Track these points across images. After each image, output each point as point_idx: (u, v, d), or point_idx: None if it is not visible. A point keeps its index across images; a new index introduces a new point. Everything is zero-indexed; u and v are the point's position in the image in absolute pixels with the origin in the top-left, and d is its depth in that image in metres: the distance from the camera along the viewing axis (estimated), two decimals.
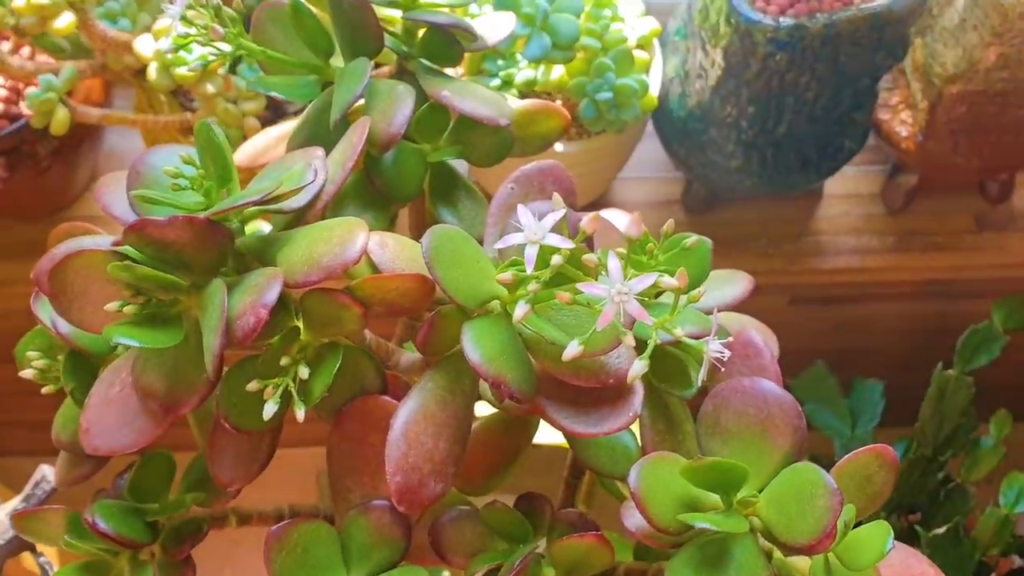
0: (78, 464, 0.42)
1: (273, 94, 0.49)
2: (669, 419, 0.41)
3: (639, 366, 0.32)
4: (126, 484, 0.41)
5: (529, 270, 0.31)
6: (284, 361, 0.35)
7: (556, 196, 0.33)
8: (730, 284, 0.45)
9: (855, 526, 0.39)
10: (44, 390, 0.41)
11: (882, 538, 0.37)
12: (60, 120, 0.61)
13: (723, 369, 0.38)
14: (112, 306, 0.34)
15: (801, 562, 0.39)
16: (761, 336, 0.41)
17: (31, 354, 0.41)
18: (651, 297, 0.36)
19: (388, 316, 0.38)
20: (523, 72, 0.70)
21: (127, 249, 0.34)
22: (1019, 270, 0.82)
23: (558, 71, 0.70)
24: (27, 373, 0.41)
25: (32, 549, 0.53)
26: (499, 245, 0.33)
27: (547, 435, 0.62)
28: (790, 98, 0.68)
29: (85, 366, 0.40)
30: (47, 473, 0.52)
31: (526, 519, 0.40)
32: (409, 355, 0.42)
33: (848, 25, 0.63)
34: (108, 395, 0.38)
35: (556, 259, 0.31)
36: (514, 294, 0.35)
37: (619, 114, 0.69)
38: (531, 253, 0.31)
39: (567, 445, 0.54)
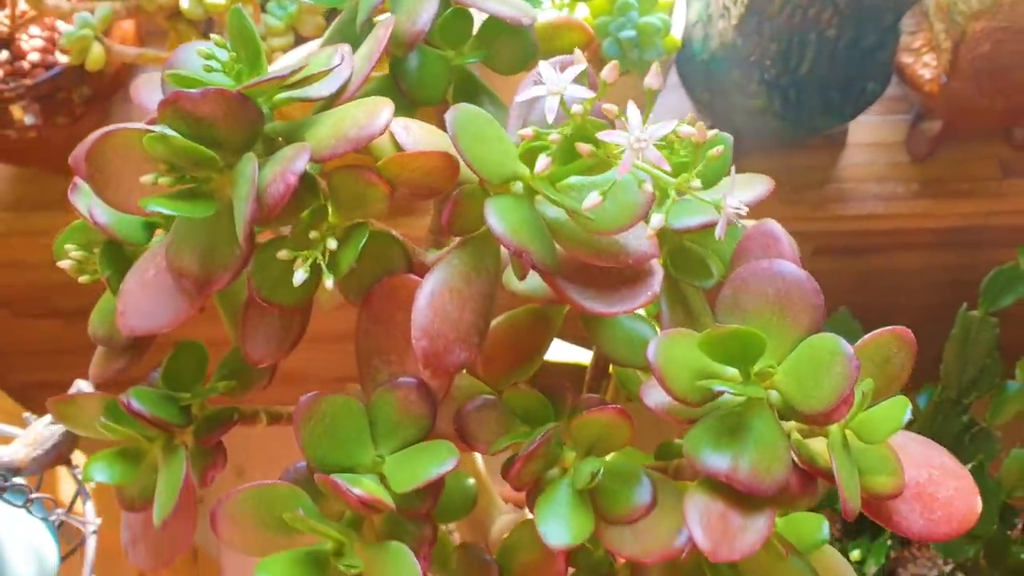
0: (114, 358, 0.44)
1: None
2: (688, 309, 0.42)
3: (657, 219, 0.33)
4: (160, 373, 0.42)
5: (550, 119, 0.32)
6: (313, 235, 0.36)
7: (577, 51, 0.34)
8: (750, 186, 0.45)
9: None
10: (81, 279, 0.42)
11: (900, 410, 0.38)
12: (96, 57, 0.63)
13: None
14: (148, 178, 0.35)
15: (819, 444, 0.39)
16: (781, 228, 0.42)
17: (68, 246, 0.42)
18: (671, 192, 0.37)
19: (413, 199, 0.39)
20: (546, 13, 0.71)
21: (162, 128, 0.36)
22: None
23: (582, 11, 0.71)
24: (65, 264, 0.42)
25: (67, 463, 0.55)
26: (520, 98, 0.34)
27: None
28: (812, 34, 0.68)
29: (121, 255, 0.41)
30: (82, 386, 0.54)
31: (548, 403, 0.41)
32: (433, 256, 0.43)
33: None
34: (143, 279, 0.39)
35: (577, 108, 0.32)
36: (536, 175, 0.36)
37: (642, 53, 0.70)
38: (552, 104, 0.31)
39: (587, 364, 0.55)
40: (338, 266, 0.36)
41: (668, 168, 0.32)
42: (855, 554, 0.74)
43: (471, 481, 0.51)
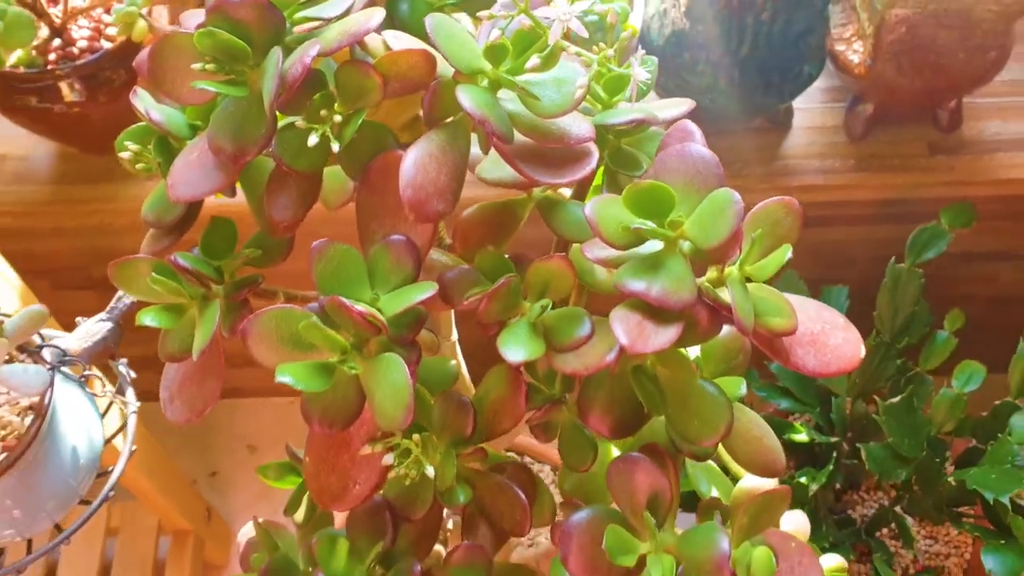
0: (161, 237, 0.54)
1: None
2: None
3: (584, 80, 0.44)
4: (199, 243, 0.53)
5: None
6: (323, 114, 0.47)
7: None
8: (674, 106, 0.56)
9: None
10: (138, 167, 0.52)
11: (783, 252, 0.48)
12: (140, 30, 0.74)
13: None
14: (197, 65, 0.46)
15: (725, 293, 0.49)
16: (694, 124, 0.52)
17: (128, 143, 0.53)
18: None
19: (401, 92, 0.50)
20: None
21: (208, 29, 0.46)
22: (966, 188, 0.92)
23: None
24: (124, 155, 0.52)
25: (112, 357, 0.64)
26: (485, 14, 0.45)
27: None
28: (749, 18, 0.80)
29: (170, 148, 0.52)
30: (126, 296, 0.64)
31: (512, 264, 0.51)
32: None
33: None
34: (188, 160, 0.50)
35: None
36: (497, 68, 0.47)
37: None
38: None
39: None
40: (343, 136, 0.47)
41: (586, 35, 0.43)
42: (803, 480, 0.83)
43: (453, 363, 0.60)
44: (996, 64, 0.85)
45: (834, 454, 0.85)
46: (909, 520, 0.90)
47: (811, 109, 0.96)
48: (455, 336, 0.69)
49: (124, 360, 0.64)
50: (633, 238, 0.47)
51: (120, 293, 0.65)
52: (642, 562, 0.49)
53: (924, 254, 0.85)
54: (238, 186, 0.52)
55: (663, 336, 0.45)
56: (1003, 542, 0.78)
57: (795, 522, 0.61)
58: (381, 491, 0.55)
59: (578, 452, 0.53)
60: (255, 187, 0.53)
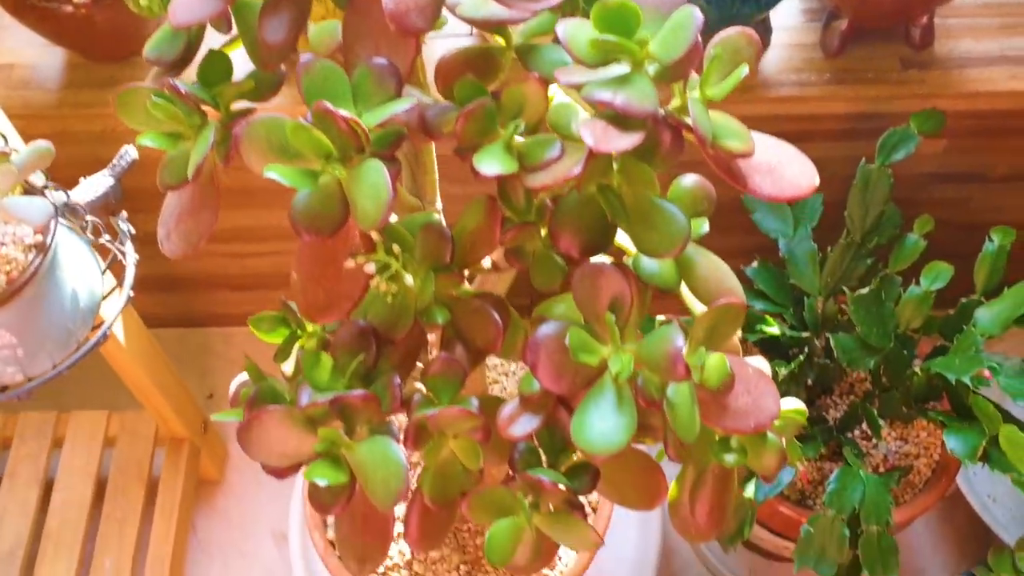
0: (162, 74, 0.58)
1: None
2: None
3: None
4: (196, 74, 0.56)
5: None
6: None
7: None
8: None
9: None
10: (142, 3, 0.56)
11: (739, 73, 0.51)
12: None
13: None
14: None
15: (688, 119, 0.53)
16: None
17: None
18: None
19: None
20: None
21: None
22: (936, 101, 0.95)
23: None
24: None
25: (114, 213, 0.68)
26: None
27: None
28: None
29: None
30: (130, 149, 0.67)
31: (489, 93, 0.54)
32: None
33: None
34: None
35: None
36: None
37: None
38: None
39: None
40: None
41: None
42: (782, 371, 0.86)
43: (437, 216, 0.64)
44: None
45: (806, 349, 0.89)
46: (880, 421, 0.93)
47: (789, 27, 0.99)
48: (439, 205, 0.72)
49: (124, 214, 0.68)
50: (601, 55, 0.50)
51: (122, 151, 0.68)
52: (604, 365, 0.53)
53: (893, 155, 0.89)
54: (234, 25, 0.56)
55: (626, 140, 0.49)
56: (965, 424, 0.82)
57: (756, 362, 0.64)
58: (365, 316, 0.59)
59: (548, 274, 0.57)
60: (247, 20, 0.57)
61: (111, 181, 0.67)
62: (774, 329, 0.89)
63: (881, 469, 0.94)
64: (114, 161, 0.67)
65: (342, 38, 0.54)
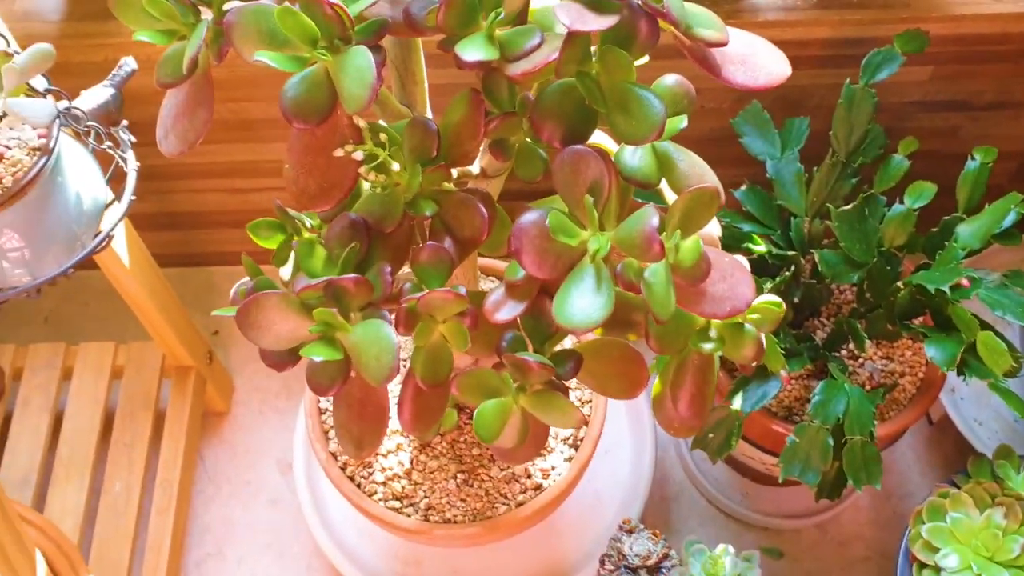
0: None
1: None
2: None
3: None
4: None
5: None
6: None
7: None
8: None
9: None
10: None
11: None
12: None
13: None
14: None
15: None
16: None
17: None
18: None
19: None
20: None
21: None
22: (921, 23, 0.97)
23: None
24: None
25: (115, 123, 0.70)
26: None
27: None
28: None
29: None
30: (128, 60, 0.69)
31: None
32: None
33: None
34: None
35: None
36: None
37: None
38: None
39: None
40: None
41: None
42: (767, 286, 0.88)
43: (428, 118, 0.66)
44: None
45: (793, 268, 0.91)
46: (868, 342, 0.96)
47: None
48: (429, 115, 0.74)
49: (125, 123, 0.70)
50: None
51: (121, 62, 0.70)
52: (584, 248, 0.55)
53: (877, 75, 0.90)
54: None
55: (601, 21, 0.51)
56: (944, 334, 0.84)
57: (735, 257, 0.66)
58: (356, 210, 0.61)
59: (531, 165, 0.59)
60: None
61: (112, 91, 0.69)
62: (761, 248, 0.91)
63: (868, 387, 0.96)
64: (114, 71, 0.69)
65: None
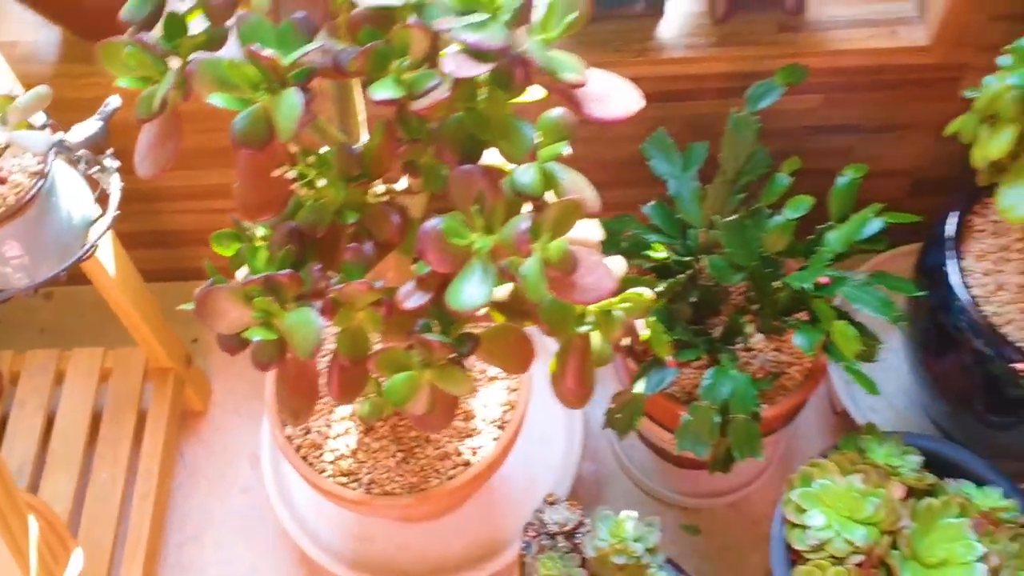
0: (135, 32, 0.74)
1: None
2: None
3: None
4: (161, 32, 0.72)
5: None
6: None
7: None
8: None
9: None
10: None
11: (569, 24, 0.67)
12: None
13: None
14: None
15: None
16: None
17: None
18: None
19: None
20: None
21: None
22: (805, 59, 1.11)
23: None
24: None
25: (101, 151, 0.84)
26: None
27: None
28: None
29: None
30: (114, 98, 0.83)
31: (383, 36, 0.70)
32: None
33: None
34: None
35: None
36: None
37: None
38: None
39: None
40: None
41: None
42: (662, 286, 1.02)
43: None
44: None
45: (690, 271, 1.05)
46: (759, 336, 1.09)
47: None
48: (364, 140, 0.88)
49: (111, 151, 0.84)
50: (467, 7, 0.66)
51: (107, 100, 0.84)
52: (472, 248, 0.69)
53: (759, 104, 1.04)
54: None
55: (478, 68, 0.65)
56: (810, 325, 0.98)
57: (613, 260, 0.80)
58: (294, 220, 0.75)
59: (435, 182, 0.73)
60: None
61: (99, 124, 0.83)
62: (662, 254, 1.05)
63: (760, 375, 1.09)
64: (101, 108, 0.83)
65: (279, 5, 0.70)
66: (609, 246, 1.07)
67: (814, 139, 1.25)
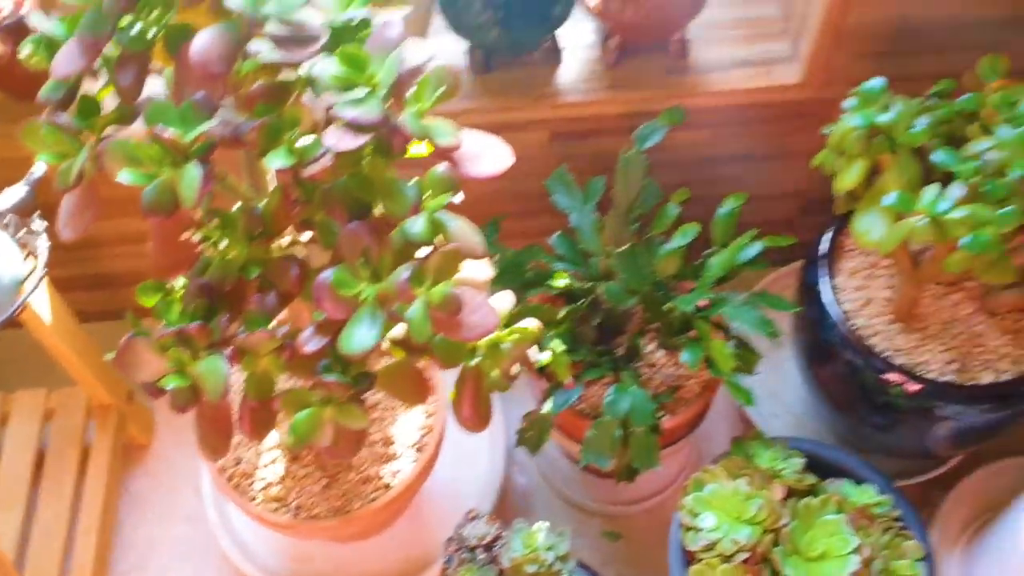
0: (52, 112, 0.81)
1: None
2: None
3: None
4: (75, 110, 0.79)
5: None
6: (149, 17, 0.74)
7: None
8: (386, 14, 0.83)
9: None
10: (33, 61, 0.79)
11: (438, 95, 0.75)
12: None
13: None
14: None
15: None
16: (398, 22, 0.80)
17: (27, 46, 0.80)
18: None
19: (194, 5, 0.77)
20: None
21: None
22: (689, 99, 1.21)
23: None
24: (25, 52, 0.79)
25: (28, 214, 0.91)
26: None
27: None
28: None
29: (54, 46, 0.79)
30: (40, 165, 0.90)
31: (276, 112, 0.78)
32: None
33: None
34: (65, 51, 0.77)
35: None
36: None
37: None
38: None
39: None
40: (164, 31, 0.74)
41: None
42: (562, 312, 1.10)
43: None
44: (696, 5, 1.15)
45: (591, 297, 1.14)
46: (661, 353, 1.18)
47: (582, 46, 1.25)
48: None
49: (38, 213, 0.91)
50: (345, 84, 0.74)
51: (33, 168, 0.91)
52: (360, 297, 0.77)
53: (646, 143, 1.13)
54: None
55: (355, 141, 0.73)
56: (694, 342, 1.07)
57: (502, 294, 0.88)
58: (204, 277, 0.82)
59: (328, 237, 0.81)
60: (111, 72, 0.80)
61: (27, 189, 0.89)
62: (564, 281, 1.14)
63: (661, 390, 1.18)
64: (28, 175, 0.90)
65: (174, 81, 0.77)
66: (515, 276, 1.16)
67: (706, 169, 1.34)
